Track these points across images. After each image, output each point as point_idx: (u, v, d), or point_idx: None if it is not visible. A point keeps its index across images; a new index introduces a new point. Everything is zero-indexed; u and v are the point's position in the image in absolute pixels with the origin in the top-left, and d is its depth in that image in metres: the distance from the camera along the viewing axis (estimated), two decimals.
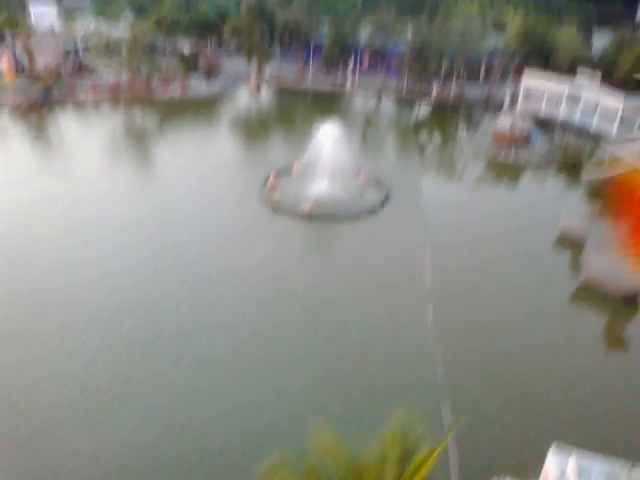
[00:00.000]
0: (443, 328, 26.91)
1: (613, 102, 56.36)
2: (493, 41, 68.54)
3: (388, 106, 67.64)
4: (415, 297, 29.44)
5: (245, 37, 67.49)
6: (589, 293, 31.29)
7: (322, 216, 37.42)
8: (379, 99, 68.69)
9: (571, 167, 49.18)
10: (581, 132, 59.64)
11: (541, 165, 50.28)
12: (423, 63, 65.07)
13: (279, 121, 59.25)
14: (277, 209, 38.19)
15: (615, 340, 28.65)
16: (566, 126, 60.91)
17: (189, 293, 28.65)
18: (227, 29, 69.80)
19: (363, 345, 25.66)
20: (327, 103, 66.94)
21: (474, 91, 69.28)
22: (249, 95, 67.97)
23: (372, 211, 38.52)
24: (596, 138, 58.09)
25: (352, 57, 69.58)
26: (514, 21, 65.45)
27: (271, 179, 41.60)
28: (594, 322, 29.27)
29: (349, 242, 35.89)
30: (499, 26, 70.78)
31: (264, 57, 69.17)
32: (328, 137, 40.17)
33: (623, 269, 30.61)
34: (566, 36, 67.33)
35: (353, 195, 40.14)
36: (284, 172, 42.96)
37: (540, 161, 50.65)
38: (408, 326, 27.24)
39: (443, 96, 69.04)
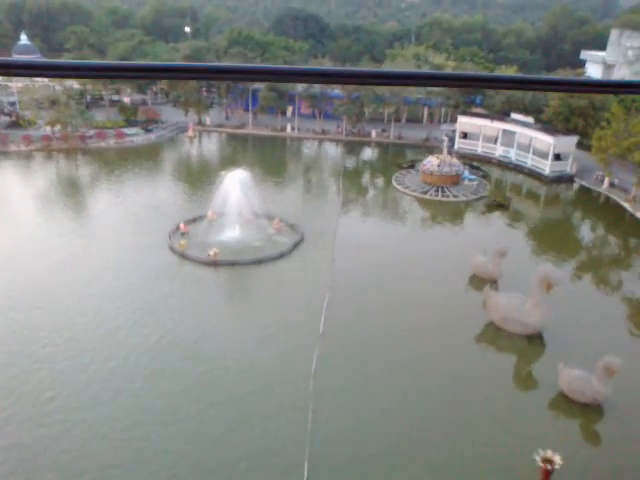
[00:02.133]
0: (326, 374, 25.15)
1: (545, 141, 56.54)
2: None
3: (326, 150, 67.48)
4: (305, 339, 27.74)
5: (181, 88, 67.67)
6: (495, 333, 29.91)
7: (228, 262, 36.06)
8: (319, 143, 68.66)
9: (498, 204, 48.64)
10: (517, 170, 59.70)
11: (469, 203, 49.65)
12: (359, 107, 65.30)
13: (210, 168, 58.38)
14: (183, 256, 36.82)
15: (520, 380, 27.00)
16: (503, 164, 60.96)
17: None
18: (164, 81, 69.83)
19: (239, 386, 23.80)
20: (265, 149, 66.70)
21: (415, 133, 69.47)
22: (187, 144, 67.53)
23: (279, 256, 37.16)
24: (532, 175, 58.19)
25: (291, 102, 69.90)
26: (447, 65, 66.32)
27: (182, 226, 40.36)
28: (498, 362, 27.73)
29: (248, 287, 34.44)
30: (437, 69, 71.63)
31: (201, 107, 69.29)
32: (244, 183, 39.52)
33: (526, 308, 29.34)
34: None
35: (264, 240, 38.99)
36: (198, 219, 41.87)
37: (468, 199, 50.04)
38: (288, 374, 25.43)
39: (383, 139, 69.21)
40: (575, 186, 56.81)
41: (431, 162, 51.99)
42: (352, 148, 67.47)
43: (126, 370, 25.21)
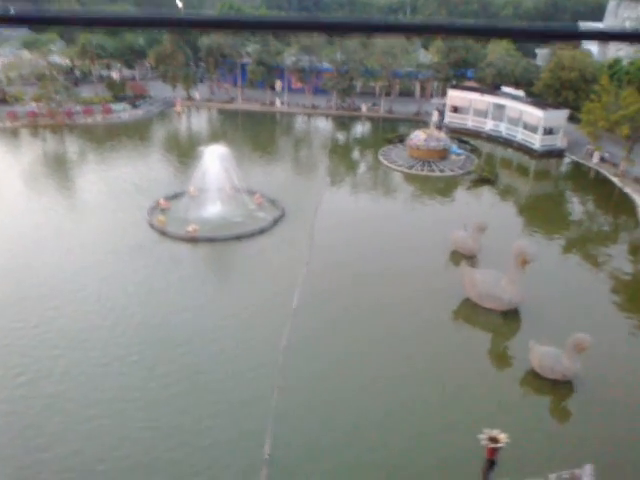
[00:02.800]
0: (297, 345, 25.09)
1: (535, 115, 55.76)
2: (422, 58, 67.91)
3: (315, 125, 66.74)
4: (280, 316, 27.64)
5: (169, 63, 66.73)
6: (471, 309, 29.75)
7: (206, 238, 35.80)
8: (308, 118, 67.91)
9: (485, 179, 48.16)
10: (507, 144, 59.05)
11: (455, 177, 49.15)
12: (348, 81, 64.36)
13: (197, 143, 57.72)
14: (163, 232, 36.56)
15: (492, 356, 26.90)
16: (493, 138, 60.28)
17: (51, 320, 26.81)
18: (151, 55, 68.89)
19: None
20: (254, 123, 65.98)
21: (407, 107, 68.64)
22: (175, 119, 66.84)
23: (259, 232, 36.86)
24: (523, 149, 57.55)
25: (280, 77, 68.98)
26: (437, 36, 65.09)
27: (162, 202, 40.04)
28: (474, 338, 27.62)
29: (226, 263, 34.28)
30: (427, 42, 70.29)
31: (189, 82, 68.44)
32: (227, 158, 39.11)
33: (502, 284, 29.11)
34: (496, 52, 67.10)
35: (245, 216, 38.66)
36: (180, 195, 41.51)
37: (455, 173, 49.53)
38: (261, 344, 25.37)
39: (373, 113, 68.40)
40: (565, 160, 56.21)
41: (418, 136, 51.35)
42: (342, 123, 66.75)
43: (95, 347, 25.18)
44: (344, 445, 20.37)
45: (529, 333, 27.04)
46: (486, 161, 53.79)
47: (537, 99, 58.25)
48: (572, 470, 18.95)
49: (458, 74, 65.82)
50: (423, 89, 73.54)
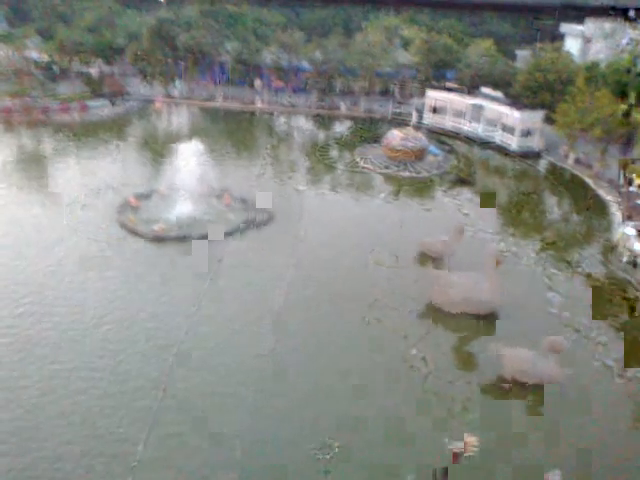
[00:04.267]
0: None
1: (511, 116, 55.91)
2: (401, 59, 67.60)
3: (294, 124, 66.43)
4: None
5: (147, 60, 66.20)
6: (437, 313, 29.58)
7: (172, 237, 35.43)
8: (287, 116, 67.63)
9: (462, 180, 48.21)
10: (485, 145, 59.13)
11: (431, 178, 49.13)
12: (327, 80, 64.19)
13: (173, 141, 57.19)
14: (131, 231, 36.18)
15: (462, 360, 26.74)
16: (471, 140, 60.33)
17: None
18: (130, 53, 68.29)
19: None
20: (232, 122, 65.64)
21: (387, 107, 68.49)
22: (153, 117, 66.28)
23: (230, 230, 36.55)
24: (500, 150, 57.69)
25: (259, 75, 68.65)
26: (419, 37, 65.12)
27: (132, 200, 39.66)
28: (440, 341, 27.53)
29: (188, 265, 33.38)
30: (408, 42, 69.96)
31: (167, 79, 67.93)
32: (200, 157, 38.85)
33: (475, 287, 28.90)
34: (475, 52, 67.11)
35: (214, 216, 38.38)
36: (152, 193, 41.10)
37: (430, 174, 49.52)
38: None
39: (353, 112, 68.27)
40: (542, 162, 56.36)
41: (394, 136, 51.24)
42: (321, 122, 66.53)
43: (55, 345, 25.01)
44: None
45: (503, 336, 26.80)
46: (464, 162, 53.81)
47: (515, 100, 58.37)
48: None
49: (438, 75, 65.85)
50: (402, 89, 73.24)
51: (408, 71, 65.15)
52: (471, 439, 18.78)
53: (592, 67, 55.11)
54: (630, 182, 46.15)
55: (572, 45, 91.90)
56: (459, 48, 64.56)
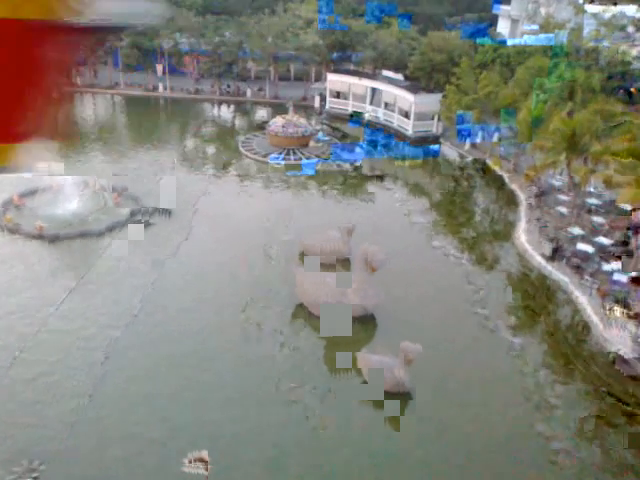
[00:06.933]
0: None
1: (406, 99, 53.95)
2: (306, 41, 64.68)
3: (196, 109, 64.05)
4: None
5: None
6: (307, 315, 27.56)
7: (52, 235, 33.56)
8: (192, 103, 65.08)
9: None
10: (385, 130, 57.15)
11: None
12: (224, 65, 61.63)
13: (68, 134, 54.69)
14: (12, 230, 34.19)
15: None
16: (373, 125, 58.27)
17: None
18: None
19: None
20: (133, 110, 63.13)
21: (293, 92, 66.11)
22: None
23: (106, 230, 34.60)
24: (399, 135, 55.76)
25: (160, 60, 65.81)
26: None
27: (16, 198, 37.24)
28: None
29: (67, 263, 32.36)
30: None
31: None
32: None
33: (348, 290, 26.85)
34: (379, 35, 64.42)
35: (101, 213, 36.62)
36: (40, 190, 38.52)
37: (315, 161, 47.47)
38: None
39: (259, 98, 65.91)
40: (441, 147, 54.54)
41: (276, 123, 49.14)
42: (223, 108, 64.23)
43: None
44: None
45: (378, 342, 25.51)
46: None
47: (413, 83, 56.40)
48: None
49: (341, 58, 63.48)
50: (305, 73, 69.91)
51: (305, 54, 62.39)
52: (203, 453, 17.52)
53: (481, 47, 53.29)
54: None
55: (503, 26, 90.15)
56: (364, 30, 61.98)
